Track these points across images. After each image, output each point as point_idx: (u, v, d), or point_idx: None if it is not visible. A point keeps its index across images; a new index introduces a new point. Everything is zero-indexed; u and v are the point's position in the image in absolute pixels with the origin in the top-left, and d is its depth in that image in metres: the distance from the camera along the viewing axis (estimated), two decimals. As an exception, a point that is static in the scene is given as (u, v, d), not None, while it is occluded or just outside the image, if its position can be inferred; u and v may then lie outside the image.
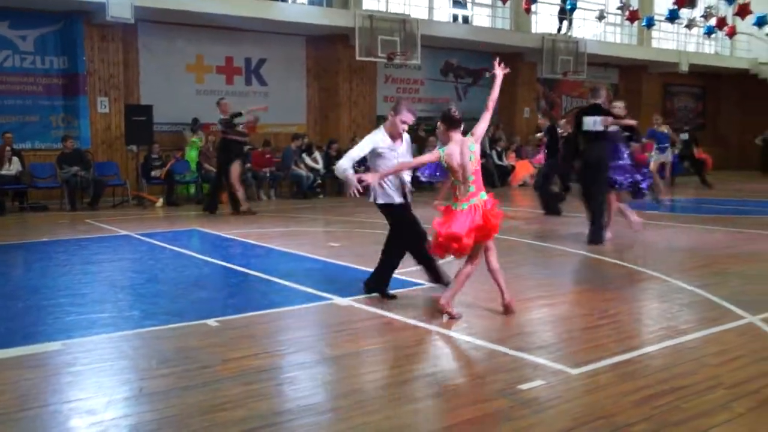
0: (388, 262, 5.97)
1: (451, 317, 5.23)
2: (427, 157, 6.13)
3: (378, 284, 5.97)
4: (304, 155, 15.71)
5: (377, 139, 5.70)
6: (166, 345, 4.66)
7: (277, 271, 7.19)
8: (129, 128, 13.70)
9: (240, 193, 12.14)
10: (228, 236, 9.68)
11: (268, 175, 15.29)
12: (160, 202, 13.75)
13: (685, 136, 18.04)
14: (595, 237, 8.70)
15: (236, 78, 16.50)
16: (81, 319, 5.29)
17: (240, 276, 7.07)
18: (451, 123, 5.25)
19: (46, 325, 5.16)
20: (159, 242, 9.09)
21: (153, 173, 14.03)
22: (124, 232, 10.00)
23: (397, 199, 5.76)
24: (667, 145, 15.77)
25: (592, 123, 8.60)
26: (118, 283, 6.72)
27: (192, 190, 14.89)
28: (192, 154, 14.74)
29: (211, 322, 5.17)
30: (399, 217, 5.84)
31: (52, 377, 4.05)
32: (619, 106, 9.36)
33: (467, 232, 5.00)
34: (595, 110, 8.72)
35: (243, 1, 14.83)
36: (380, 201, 5.77)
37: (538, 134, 14.26)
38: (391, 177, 5.65)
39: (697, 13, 20.29)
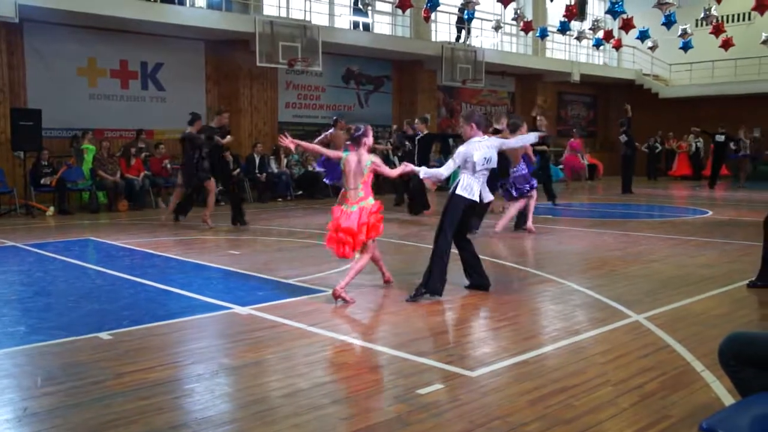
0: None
1: (345, 301, 5.87)
2: (332, 153, 6.78)
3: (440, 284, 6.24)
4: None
5: None
6: (53, 361, 4.44)
7: (175, 280, 7.01)
8: (15, 133, 12.94)
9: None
10: (124, 246, 9.35)
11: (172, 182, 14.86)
12: (51, 210, 13.12)
13: (623, 137, 18.33)
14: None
15: (132, 82, 15.95)
16: (-40, 336, 4.98)
17: (136, 286, 6.82)
18: (353, 139, 6.09)
19: None
20: (49, 253, 8.68)
21: (43, 181, 13.38)
22: (10, 243, 9.48)
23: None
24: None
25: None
26: (2, 298, 6.34)
27: (86, 197, 14.29)
28: (88, 161, 14.11)
29: (104, 335, 4.98)
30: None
31: (-74, 400, 3.78)
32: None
33: (358, 227, 5.86)
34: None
35: (136, 3, 14.36)
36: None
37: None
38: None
39: (586, 25, 21.22)
